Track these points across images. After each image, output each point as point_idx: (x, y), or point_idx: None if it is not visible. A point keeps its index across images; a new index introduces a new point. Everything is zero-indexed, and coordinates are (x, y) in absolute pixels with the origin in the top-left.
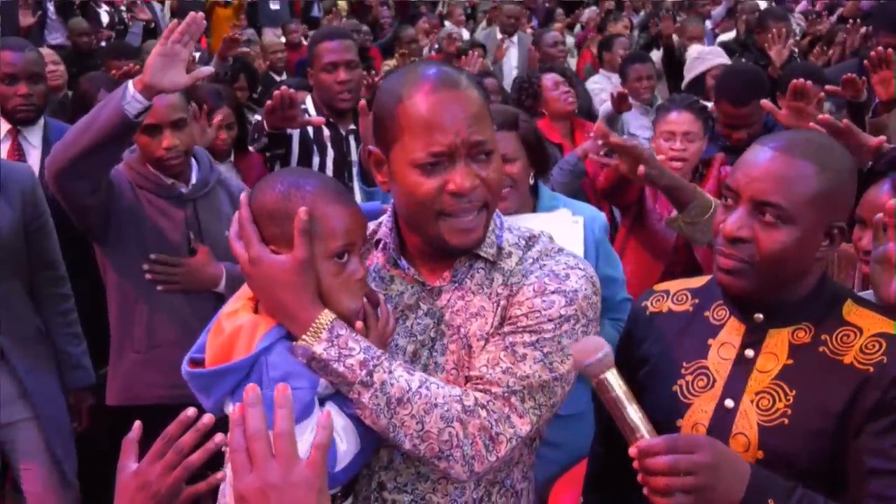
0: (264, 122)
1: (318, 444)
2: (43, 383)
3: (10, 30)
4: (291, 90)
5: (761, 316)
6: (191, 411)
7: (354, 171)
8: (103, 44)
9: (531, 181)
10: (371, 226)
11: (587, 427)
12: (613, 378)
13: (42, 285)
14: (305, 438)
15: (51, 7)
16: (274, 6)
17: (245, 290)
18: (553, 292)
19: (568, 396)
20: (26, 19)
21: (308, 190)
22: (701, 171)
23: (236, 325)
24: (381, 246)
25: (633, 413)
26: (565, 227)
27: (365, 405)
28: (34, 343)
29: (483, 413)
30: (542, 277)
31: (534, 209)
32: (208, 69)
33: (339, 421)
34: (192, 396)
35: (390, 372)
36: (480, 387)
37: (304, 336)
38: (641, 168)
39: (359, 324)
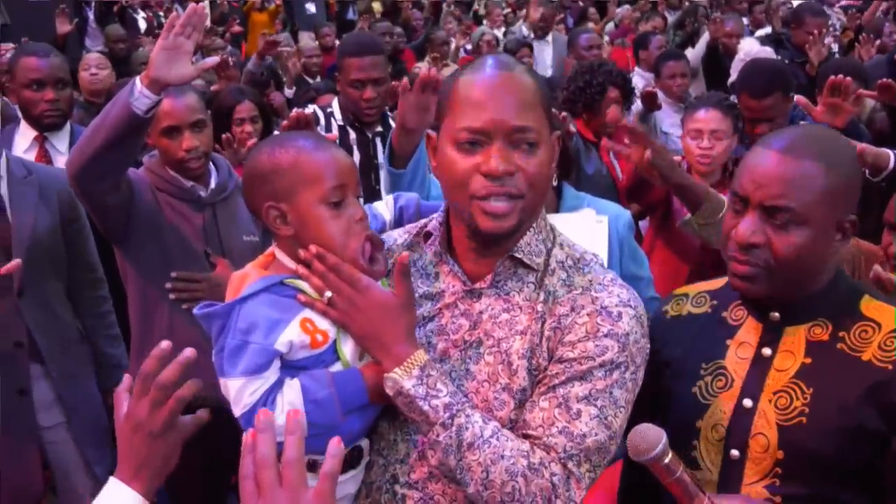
0: None
1: (327, 472)
2: (77, 387)
3: (44, 33)
4: (307, 111)
5: (777, 315)
6: (164, 344)
7: (382, 156)
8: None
9: (554, 182)
10: (423, 221)
11: None
12: (673, 461)
13: (81, 288)
14: (248, 394)
15: (91, 15)
16: (310, 10)
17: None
18: (606, 335)
19: None
20: (63, 27)
21: (289, 144)
22: (731, 170)
23: (235, 275)
24: (430, 240)
25: (691, 486)
26: (589, 226)
27: (439, 444)
28: (73, 345)
29: (547, 474)
30: (596, 316)
31: (557, 209)
32: (213, 59)
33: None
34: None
35: (468, 416)
36: (541, 447)
37: (395, 370)
38: (648, 153)
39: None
